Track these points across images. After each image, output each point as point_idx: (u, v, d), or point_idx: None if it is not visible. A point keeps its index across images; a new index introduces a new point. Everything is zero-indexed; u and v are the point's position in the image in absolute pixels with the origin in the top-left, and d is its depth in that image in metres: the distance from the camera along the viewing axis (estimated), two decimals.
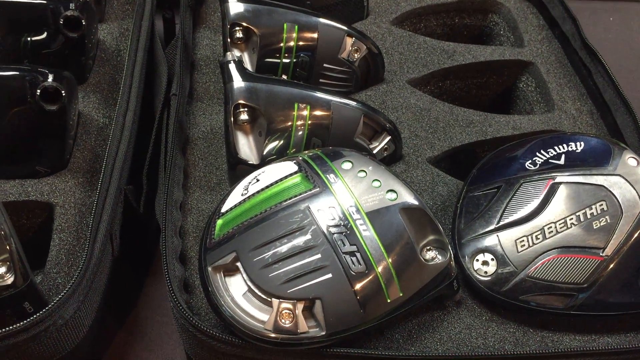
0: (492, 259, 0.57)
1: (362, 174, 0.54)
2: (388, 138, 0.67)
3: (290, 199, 0.53)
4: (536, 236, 0.56)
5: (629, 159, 0.59)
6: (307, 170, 0.55)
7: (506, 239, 0.57)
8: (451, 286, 0.55)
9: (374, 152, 0.67)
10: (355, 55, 0.73)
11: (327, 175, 0.54)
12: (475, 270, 0.57)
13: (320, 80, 0.74)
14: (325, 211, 0.51)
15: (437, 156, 0.71)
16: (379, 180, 0.53)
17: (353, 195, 0.52)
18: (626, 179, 0.57)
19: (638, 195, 0.56)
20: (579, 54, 0.81)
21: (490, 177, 0.62)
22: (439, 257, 0.53)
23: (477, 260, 0.57)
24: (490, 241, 0.58)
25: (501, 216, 0.58)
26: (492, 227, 0.58)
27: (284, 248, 0.50)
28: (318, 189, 0.53)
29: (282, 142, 0.62)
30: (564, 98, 0.79)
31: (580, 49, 0.81)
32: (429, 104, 0.76)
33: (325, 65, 0.73)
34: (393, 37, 0.85)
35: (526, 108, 0.84)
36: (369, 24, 0.86)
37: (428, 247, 0.53)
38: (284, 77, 0.71)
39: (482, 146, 0.74)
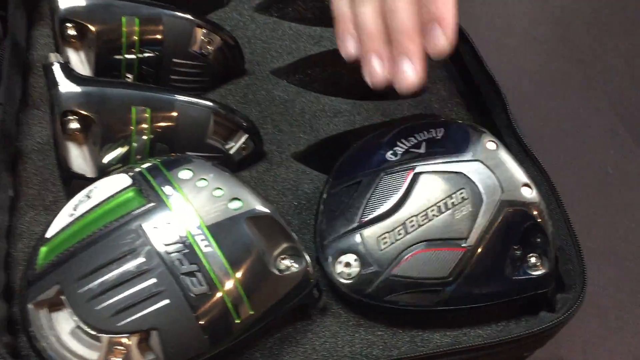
0: (356, 260, 0.53)
1: (203, 183, 0.49)
2: (245, 136, 0.62)
3: (121, 217, 0.47)
4: (398, 232, 0.53)
5: (488, 142, 0.56)
6: (142, 183, 0.49)
7: (368, 237, 0.54)
8: (311, 295, 0.51)
9: (231, 152, 0.62)
10: (209, 47, 0.67)
11: (163, 188, 0.48)
12: (338, 274, 0.53)
13: (172, 77, 0.67)
14: (161, 229, 0.46)
15: (302, 151, 0.67)
16: (221, 189, 0.49)
17: (192, 208, 0.47)
18: (485, 164, 0.55)
19: (498, 180, 0.54)
20: None
21: (352, 170, 0.58)
22: (295, 265, 0.49)
23: (340, 262, 0.54)
24: (352, 241, 0.54)
25: (362, 213, 0.55)
26: (354, 226, 0.54)
27: (113, 275, 0.44)
28: (152, 204, 0.47)
29: (122, 150, 0.56)
30: (434, 79, 0.77)
31: None
32: (294, 94, 0.72)
33: (175, 60, 0.66)
34: (256, 25, 0.79)
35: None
36: (229, 11, 0.80)
37: (282, 257, 0.49)
38: (129, 76, 0.65)
39: (351, 136, 0.70)
